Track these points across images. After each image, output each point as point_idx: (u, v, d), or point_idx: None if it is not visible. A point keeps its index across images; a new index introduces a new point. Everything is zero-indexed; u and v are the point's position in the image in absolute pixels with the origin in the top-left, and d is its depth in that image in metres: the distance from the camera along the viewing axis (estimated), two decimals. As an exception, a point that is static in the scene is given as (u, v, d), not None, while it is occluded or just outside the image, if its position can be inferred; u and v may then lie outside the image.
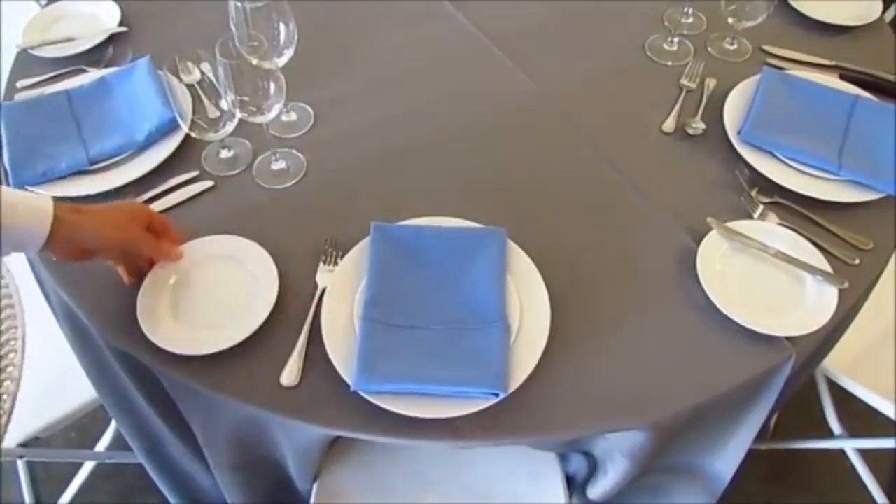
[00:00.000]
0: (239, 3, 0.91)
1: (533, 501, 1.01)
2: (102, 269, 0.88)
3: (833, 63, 1.14)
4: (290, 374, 0.79)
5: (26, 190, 0.95)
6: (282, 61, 0.96)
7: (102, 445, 1.41)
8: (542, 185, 0.99)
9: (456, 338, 0.80)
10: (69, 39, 1.16)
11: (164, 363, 0.80)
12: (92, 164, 0.98)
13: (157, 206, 0.95)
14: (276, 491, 1.01)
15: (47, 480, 1.47)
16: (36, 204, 0.74)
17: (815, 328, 0.82)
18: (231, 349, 0.80)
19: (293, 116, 1.06)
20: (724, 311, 0.83)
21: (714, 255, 0.89)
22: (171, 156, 0.99)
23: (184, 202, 0.96)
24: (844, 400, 1.25)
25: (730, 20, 1.11)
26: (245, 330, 0.81)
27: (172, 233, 0.87)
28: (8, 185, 0.96)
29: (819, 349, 0.90)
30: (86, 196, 0.95)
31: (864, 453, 1.37)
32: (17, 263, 1.24)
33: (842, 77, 1.11)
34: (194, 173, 0.99)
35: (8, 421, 0.93)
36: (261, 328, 0.82)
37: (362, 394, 0.75)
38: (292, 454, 0.89)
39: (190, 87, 0.91)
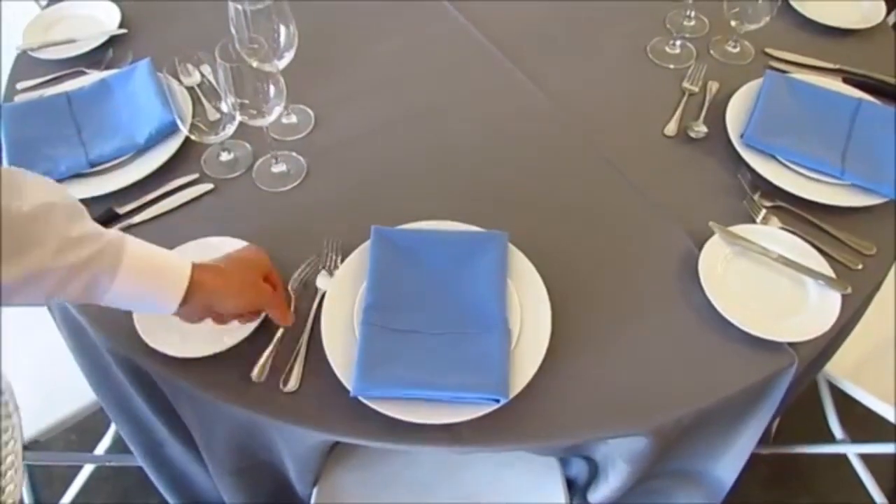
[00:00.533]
0: (239, 6, 0.90)
1: (533, 506, 1.01)
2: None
3: (836, 66, 1.14)
4: (289, 379, 0.79)
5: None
6: (282, 64, 0.96)
7: (103, 448, 1.41)
8: (543, 188, 0.99)
9: (456, 343, 0.80)
10: (69, 41, 1.16)
11: (162, 367, 0.80)
12: (92, 166, 0.98)
13: (156, 209, 0.95)
14: (275, 494, 1.01)
15: (47, 482, 1.47)
16: (174, 268, 0.70)
17: (817, 334, 0.82)
18: (230, 353, 0.80)
19: (293, 119, 1.06)
20: (726, 316, 0.83)
21: (716, 260, 0.88)
22: (171, 158, 0.99)
23: (183, 205, 0.96)
24: (846, 404, 1.24)
25: (732, 23, 1.11)
26: (239, 333, 0.80)
27: (280, 287, 0.81)
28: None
29: (821, 354, 0.89)
30: (84, 199, 0.94)
31: (866, 458, 1.36)
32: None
33: (845, 80, 1.11)
34: (194, 176, 0.99)
35: None
36: (260, 333, 0.81)
37: (362, 399, 0.75)
38: (292, 459, 0.89)
39: (190, 89, 0.91)
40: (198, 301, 0.71)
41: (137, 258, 0.67)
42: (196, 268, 0.71)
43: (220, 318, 0.76)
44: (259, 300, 0.77)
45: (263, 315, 0.81)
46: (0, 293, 0.60)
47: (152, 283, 0.68)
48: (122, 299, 0.67)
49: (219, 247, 0.88)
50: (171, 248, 0.87)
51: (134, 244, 0.68)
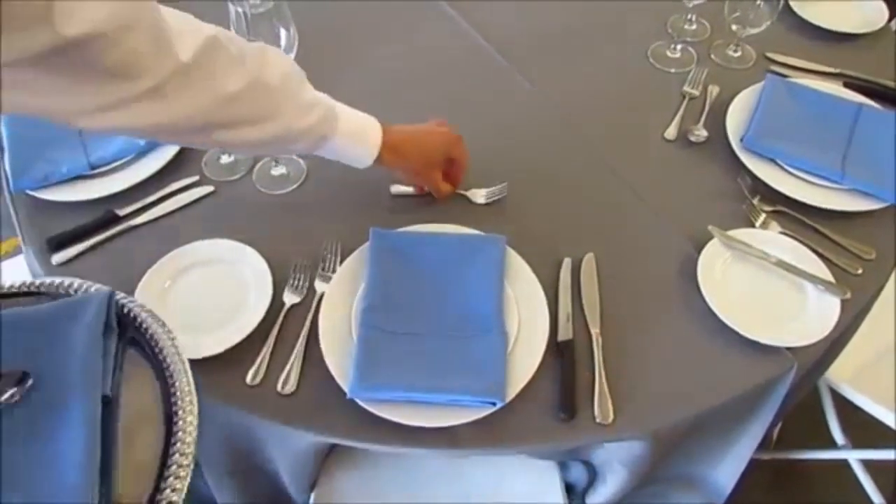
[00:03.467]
0: (239, 8, 0.90)
1: (532, 510, 1.00)
2: (97, 270, 0.89)
3: (837, 71, 1.13)
4: (287, 381, 0.79)
5: (28, 194, 0.96)
6: (282, 67, 0.96)
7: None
8: (542, 191, 0.99)
9: (454, 345, 0.80)
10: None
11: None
12: (92, 168, 0.98)
13: (157, 211, 0.95)
14: (272, 499, 1.01)
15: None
16: (370, 138, 0.85)
17: (816, 339, 0.81)
18: (228, 354, 0.80)
19: (294, 122, 1.06)
20: (725, 321, 0.82)
21: (715, 264, 0.88)
22: (172, 160, 0.99)
23: (184, 207, 0.96)
24: (848, 410, 1.24)
25: (733, 27, 1.11)
26: (237, 335, 0.80)
27: (457, 169, 0.95)
28: (8, 188, 0.97)
29: (821, 360, 0.89)
30: (86, 201, 0.95)
31: (868, 464, 1.36)
32: (17, 265, 1.24)
33: (846, 85, 1.11)
34: (195, 178, 0.99)
35: None
36: (258, 334, 0.81)
37: (359, 402, 0.75)
38: (285, 465, 0.88)
39: (191, 91, 0.91)
40: (379, 166, 0.87)
41: (346, 120, 0.83)
42: (384, 146, 0.86)
43: None
44: (427, 183, 0.94)
45: (263, 314, 0.82)
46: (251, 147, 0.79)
47: (354, 149, 0.85)
48: (330, 154, 0.85)
49: (217, 249, 0.89)
50: (171, 250, 0.88)
51: (341, 109, 0.83)
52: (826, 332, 0.82)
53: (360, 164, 0.87)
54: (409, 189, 0.97)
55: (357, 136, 0.84)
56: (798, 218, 0.94)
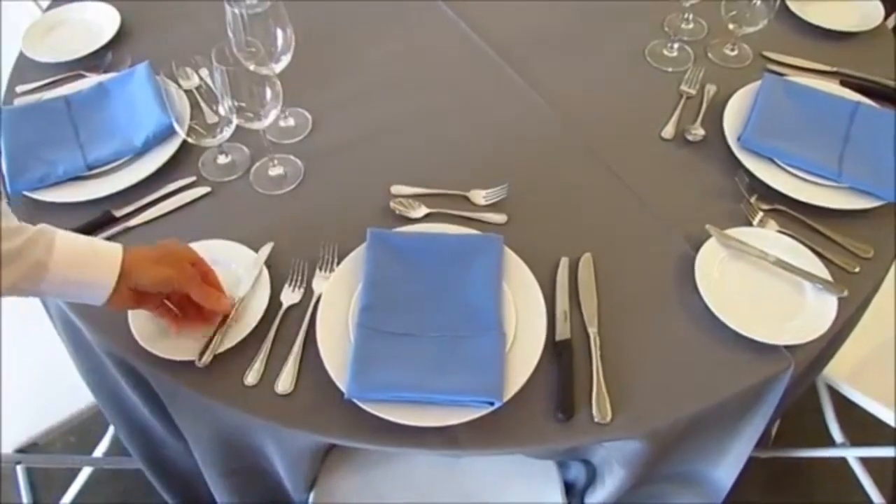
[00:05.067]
0: (236, 9, 0.90)
1: (531, 509, 1.00)
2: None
3: (834, 69, 1.13)
4: (285, 382, 0.79)
5: (24, 196, 0.96)
6: (279, 67, 0.96)
7: (101, 450, 1.41)
8: (540, 191, 0.99)
9: (452, 345, 0.80)
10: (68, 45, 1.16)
11: (157, 369, 0.80)
12: (89, 169, 0.98)
13: (154, 212, 0.95)
14: (270, 498, 1.01)
15: (46, 485, 1.47)
16: (106, 249, 0.73)
17: (814, 337, 0.81)
18: (225, 355, 0.80)
19: (291, 122, 1.06)
20: (722, 320, 0.82)
21: (713, 263, 0.88)
22: (169, 161, 0.99)
23: (180, 208, 0.96)
24: (846, 408, 1.24)
25: (730, 26, 1.11)
26: (235, 336, 0.80)
27: (215, 279, 0.83)
28: (5, 189, 0.96)
29: (818, 358, 0.89)
30: (83, 202, 0.95)
31: (866, 461, 1.36)
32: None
33: (843, 83, 1.11)
34: (191, 179, 0.99)
35: None
36: (256, 335, 0.81)
37: (356, 401, 0.75)
38: (282, 462, 0.88)
39: (188, 92, 0.91)
40: (123, 283, 0.73)
41: (70, 241, 0.71)
42: (126, 254, 0.74)
43: (150, 303, 0.78)
44: (175, 274, 0.77)
45: (260, 315, 0.81)
46: None
47: (86, 268, 0.71)
48: (58, 286, 0.71)
49: (214, 249, 0.89)
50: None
51: (63, 232, 0.71)
52: (823, 331, 0.82)
53: (102, 286, 0.72)
54: (410, 190, 0.97)
55: (84, 254, 0.72)
56: (795, 216, 0.94)
